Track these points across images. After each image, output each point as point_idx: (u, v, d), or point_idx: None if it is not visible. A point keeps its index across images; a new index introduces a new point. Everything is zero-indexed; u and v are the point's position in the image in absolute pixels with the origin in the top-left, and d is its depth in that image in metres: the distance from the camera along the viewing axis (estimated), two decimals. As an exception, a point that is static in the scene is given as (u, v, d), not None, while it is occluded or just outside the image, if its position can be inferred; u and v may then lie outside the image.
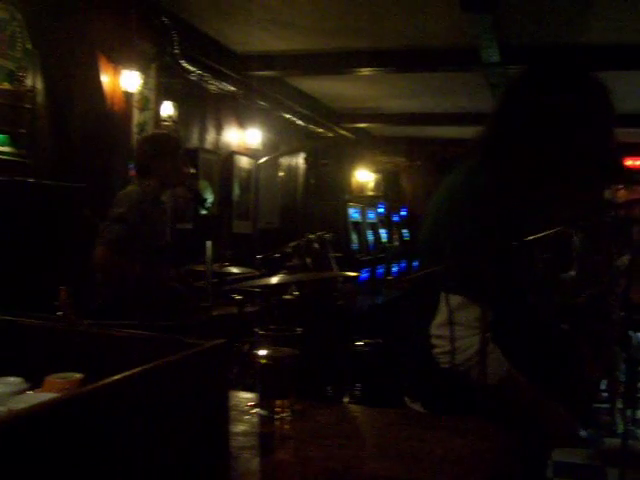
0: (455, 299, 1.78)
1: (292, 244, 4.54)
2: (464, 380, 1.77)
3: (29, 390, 1.29)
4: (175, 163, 4.05)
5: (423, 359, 1.96)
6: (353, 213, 9.94)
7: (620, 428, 5.42)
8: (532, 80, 2.03)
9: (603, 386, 6.01)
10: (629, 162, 10.38)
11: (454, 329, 1.73)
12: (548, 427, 1.92)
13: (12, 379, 1.30)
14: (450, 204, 1.99)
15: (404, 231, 12.51)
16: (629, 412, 5.36)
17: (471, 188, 1.97)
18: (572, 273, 4.52)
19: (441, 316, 1.82)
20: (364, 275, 9.20)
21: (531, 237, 1.93)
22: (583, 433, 5.43)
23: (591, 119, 1.95)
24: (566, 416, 1.94)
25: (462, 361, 1.77)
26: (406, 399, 2.09)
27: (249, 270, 4.72)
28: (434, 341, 1.83)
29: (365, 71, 7.21)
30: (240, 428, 1.56)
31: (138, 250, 3.72)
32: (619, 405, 5.65)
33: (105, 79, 5.27)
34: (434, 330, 1.83)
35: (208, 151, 7.23)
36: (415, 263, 11.19)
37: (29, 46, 4.63)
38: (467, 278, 1.76)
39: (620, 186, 10.01)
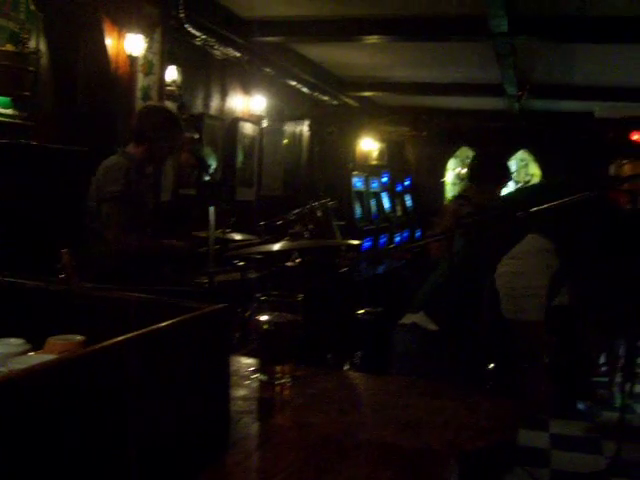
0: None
1: (295, 211, 4.53)
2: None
3: (31, 351, 1.29)
4: (172, 142, 4.01)
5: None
6: (357, 182, 9.91)
7: (618, 402, 5.44)
8: None
9: (602, 360, 6.04)
10: (635, 137, 10.32)
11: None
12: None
13: (14, 340, 1.30)
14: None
15: (407, 201, 12.49)
16: (627, 386, 5.37)
17: None
18: None
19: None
20: (366, 244, 9.20)
21: (534, 209, 1.97)
22: (581, 406, 5.46)
23: None
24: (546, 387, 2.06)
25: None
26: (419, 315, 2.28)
27: (252, 237, 4.71)
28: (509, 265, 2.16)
29: (372, 39, 7.13)
30: (240, 393, 1.57)
31: (131, 222, 3.70)
32: (618, 379, 5.66)
33: (109, 42, 5.22)
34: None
35: (212, 117, 7.20)
36: (418, 233, 11.22)
37: (33, 8, 4.59)
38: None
39: (625, 161, 9.98)
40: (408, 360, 2.39)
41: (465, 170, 12.63)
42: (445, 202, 5.00)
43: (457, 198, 4.84)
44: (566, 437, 4.82)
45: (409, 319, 2.40)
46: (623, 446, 4.34)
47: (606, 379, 5.85)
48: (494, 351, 2.16)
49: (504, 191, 4.33)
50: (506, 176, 4.56)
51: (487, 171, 4.55)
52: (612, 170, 10.67)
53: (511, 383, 2.07)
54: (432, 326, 2.32)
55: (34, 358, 1.22)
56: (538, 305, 2.12)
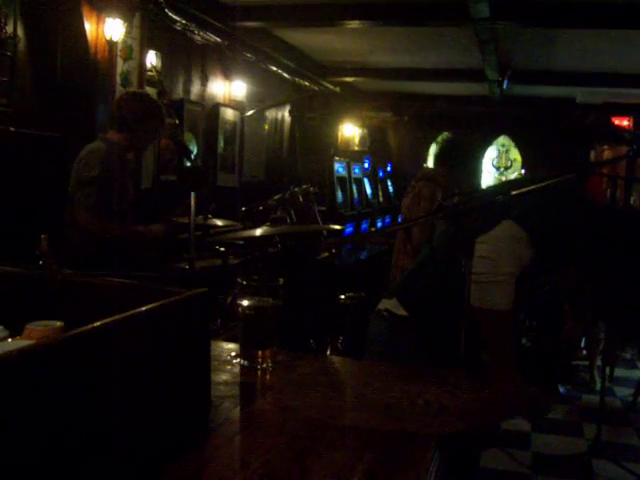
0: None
1: (276, 197, 4.52)
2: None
3: (9, 338, 1.28)
4: (153, 131, 3.99)
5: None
6: (338, 168, 9.92)
7: (598, 385, 5.49)
8: None
9: (583, 344, 6.09)
10: (616, 122, 10.37)
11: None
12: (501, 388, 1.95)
13: (-8, 326, 1.29)
14: None
15: (389, 186, 12.50)
16: (607, 370, 5.42)
17: None
18: None
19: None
20: (348, 229, 9.21)
21: (515, 192, 1.97)
22: (562, 390, 5.51)
23: None
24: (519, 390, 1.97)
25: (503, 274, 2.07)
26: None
27: (233, 222, 4.70)
28: (478, 250, 2.10)
29: (352, 24, 7.10)
30: (222, 378, 1.57)
31: (111, 209, 3.67)
32: (598, 363, 5.72)
33: (88, 27, 5.16)
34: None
35: (193, 102, 7.15)
36: (400, 218, 11.24)
37: (10, -8, 4.53)
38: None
39: (605, 146, 10.00)
40: (378, 346, 2.38)
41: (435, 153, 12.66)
42: (414, 184, 4.83)
43: (427, 181, 4.70)
44: (547, 420, 4.86)
45: (384, 305, 2.39)
46: (603, 429, 4.39)
47: (586, 363, 5.90)
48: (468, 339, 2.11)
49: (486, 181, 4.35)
50: (473, 160, 4.58)
51: (457, 154, 4.56)
52: (592, 156, 10.75)
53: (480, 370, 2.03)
54: (402, 312, 2.31)
55: (12, 344, 1.21)
56: (505, 294, 2.04)
